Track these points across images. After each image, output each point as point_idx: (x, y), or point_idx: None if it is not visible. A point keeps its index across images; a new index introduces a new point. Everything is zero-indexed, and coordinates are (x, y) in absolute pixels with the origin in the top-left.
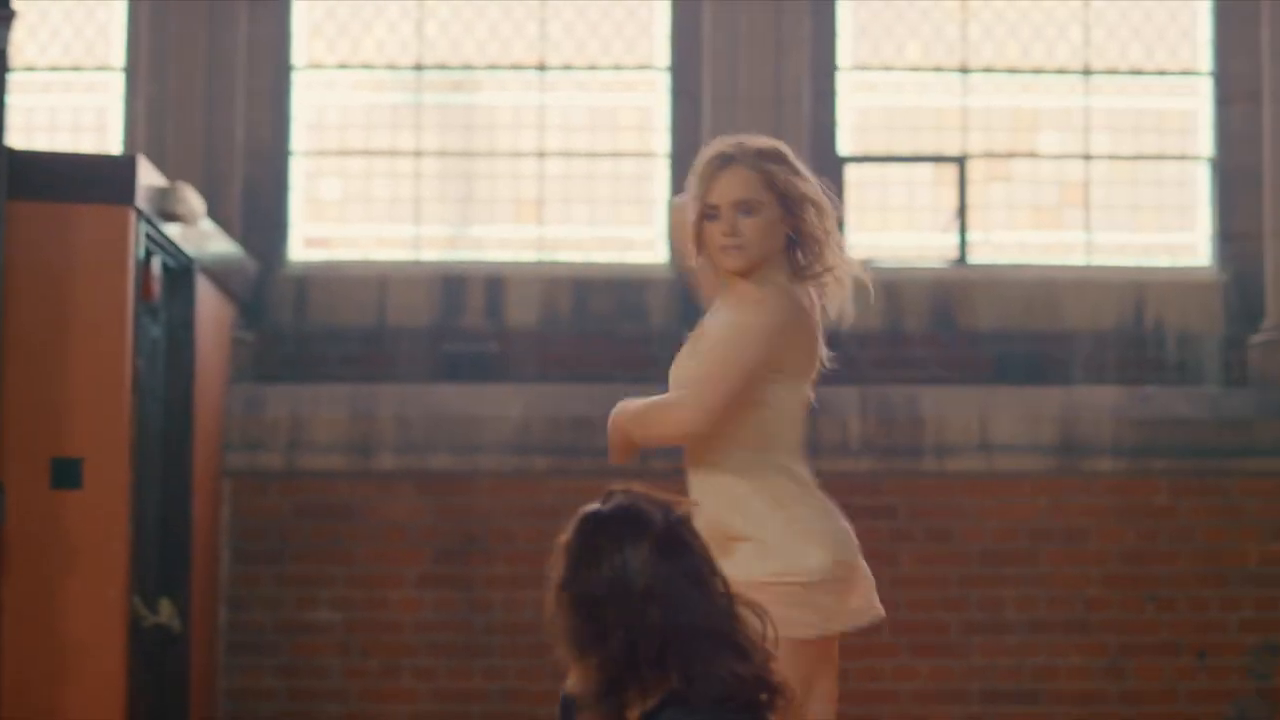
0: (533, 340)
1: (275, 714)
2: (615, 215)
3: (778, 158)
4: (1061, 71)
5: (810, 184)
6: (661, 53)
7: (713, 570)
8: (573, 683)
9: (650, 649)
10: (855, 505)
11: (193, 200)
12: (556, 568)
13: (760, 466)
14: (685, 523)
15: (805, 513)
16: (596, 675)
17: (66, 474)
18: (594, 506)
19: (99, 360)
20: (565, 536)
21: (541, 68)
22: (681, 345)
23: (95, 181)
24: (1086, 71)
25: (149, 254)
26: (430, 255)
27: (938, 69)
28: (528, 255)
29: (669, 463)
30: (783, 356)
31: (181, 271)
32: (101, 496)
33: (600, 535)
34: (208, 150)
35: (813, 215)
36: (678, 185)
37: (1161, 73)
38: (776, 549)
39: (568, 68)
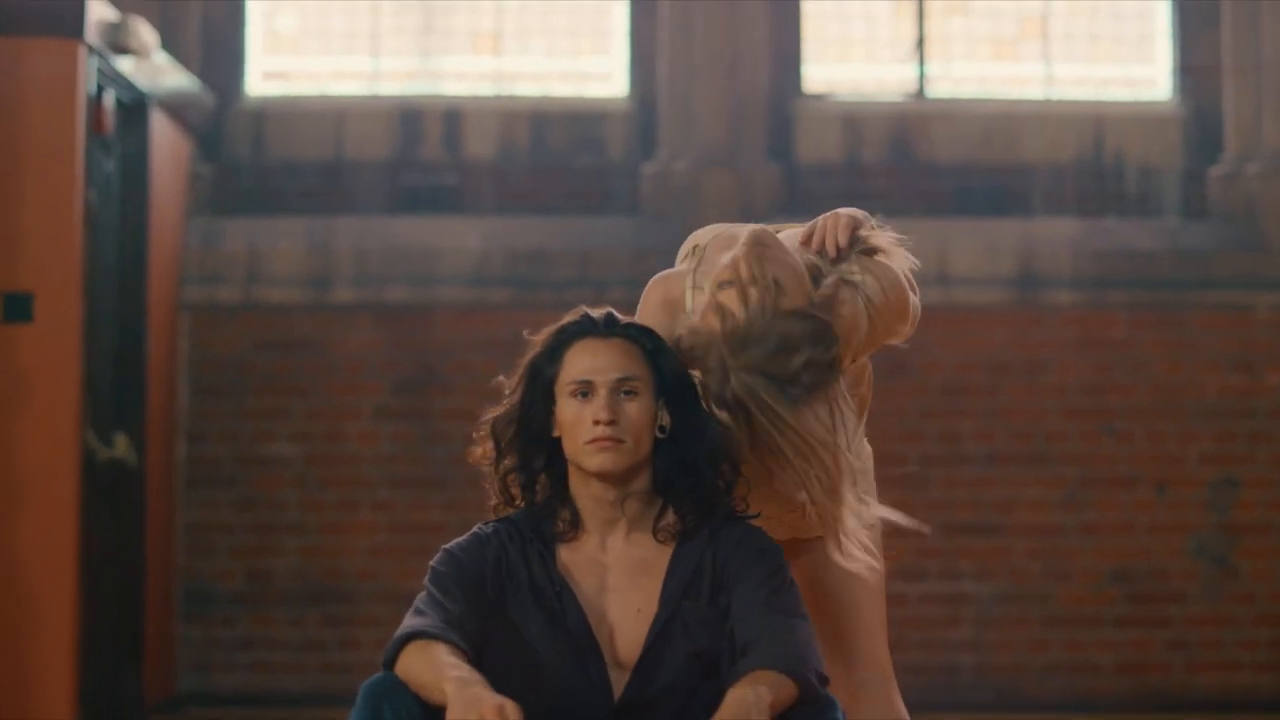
0: (490, 173)
1: (233, 547)
2: (573, 47)
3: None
4: None
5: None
6: None
7: None
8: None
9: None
10: None
11: (145, 34)
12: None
13: None
14: None
15: None
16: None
17: (17, 308)
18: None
19: (50, 194)
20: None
21: None
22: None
23: (44, 15)
24: None
25: (101, 88)
26: (388, 88)
27: None
28: (485, 88)
29: (623, 291)
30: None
31: (135, 106)
32: (53, 331)
33: None
34: None
35: None
36: (636, 17)
37: None
38: None
39: None
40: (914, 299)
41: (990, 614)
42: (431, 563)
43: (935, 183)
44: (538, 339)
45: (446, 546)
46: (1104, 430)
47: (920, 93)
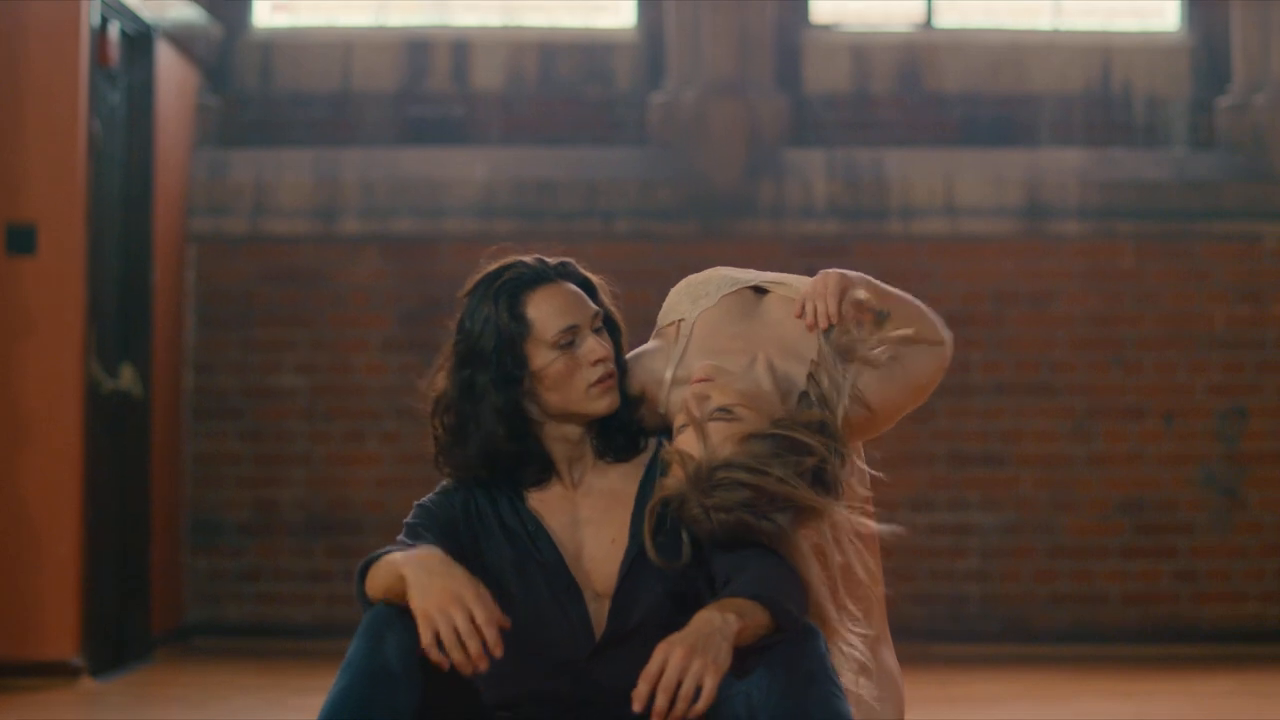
0: (498, 104)
1: (240, 478)
2: None
3: None
4: None
5: None
6: None
7: None
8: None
9: None
10: (821, 267)
11: None
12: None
13: None
14: None
15: None
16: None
17: (21, 240)
18: None
19: (53, 126)
20: None
21: None
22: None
23: None
24: None
25: (105, 20)
26: (396, 19)
27: None
28: (493, 18)
29: (630, 222)
30: None
31: (140, 37)
32: (56, 263)
33: None
34: None
35: None
36: None
37: None
38: None
39: None
40: (946, 336)
41: (997, 544)
42: (405, 520)
43: (942, 113)
44: (462, 303)
45: (418, 501)
46: (1112, 361)
47: (928, 23)
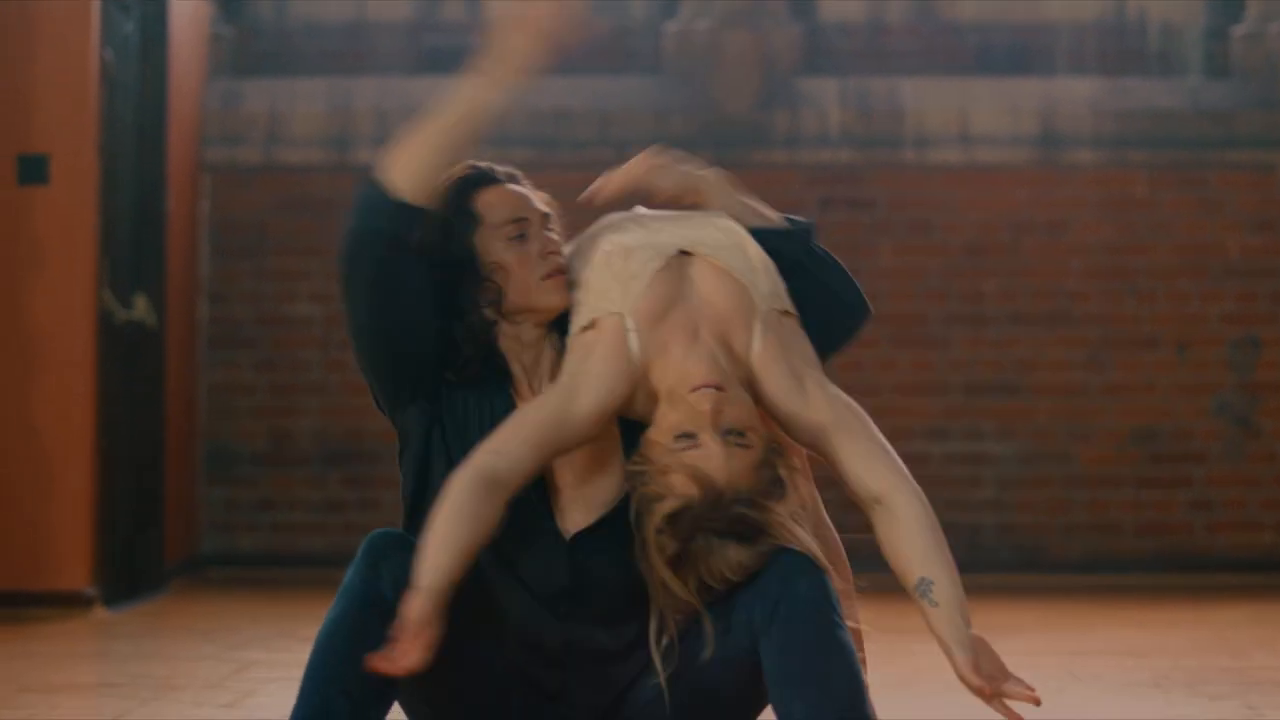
0: None
1: (255, 407)
2: None
3: None
4: None
5: None
6: None
7: None
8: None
9: None
10: (835, 197)
11: None
12: None
13: None
14: None
15: None
16: None
17: (33, 170)
18: None
19: (65, 56)
20: None
21: None
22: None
23: None
24: None
25: None
26: None
27: None
28: None
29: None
30: None
31: None
32: (69, 192)
33: None
34: None
35: None
36: None
37: None
38: None
39: None
40: None
41: (1012, 474)
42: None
43: (957, 41)
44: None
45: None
46: (1126, 290)
47: None
